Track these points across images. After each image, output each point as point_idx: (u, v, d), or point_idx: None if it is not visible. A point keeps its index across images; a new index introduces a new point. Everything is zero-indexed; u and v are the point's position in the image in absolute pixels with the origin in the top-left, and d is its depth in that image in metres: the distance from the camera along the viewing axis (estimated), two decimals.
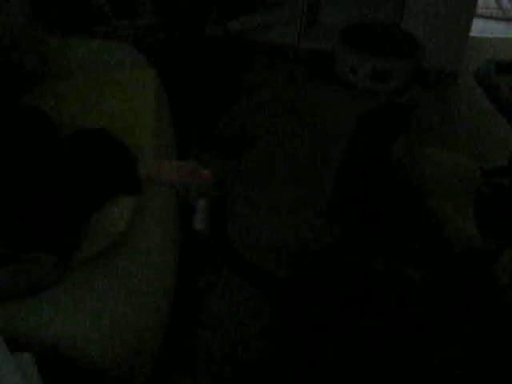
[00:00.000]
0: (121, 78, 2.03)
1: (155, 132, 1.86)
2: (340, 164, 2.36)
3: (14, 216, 1.38)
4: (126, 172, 1.59)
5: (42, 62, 1.98)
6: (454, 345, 1.82)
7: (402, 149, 2.33)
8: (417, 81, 3.34)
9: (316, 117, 3.02)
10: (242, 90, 3.07)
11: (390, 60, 3.27)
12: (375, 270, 1.83)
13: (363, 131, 2.30)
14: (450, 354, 1.82)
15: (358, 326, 1.76)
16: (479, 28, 3.73)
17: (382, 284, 1.75)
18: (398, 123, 2.25)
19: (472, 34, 3.51)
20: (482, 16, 4.09)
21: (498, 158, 2.41)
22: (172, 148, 2.09)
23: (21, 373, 1.04)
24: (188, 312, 1.91)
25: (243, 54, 3.31)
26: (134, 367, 1.42)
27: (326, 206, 2.41)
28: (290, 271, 2.02)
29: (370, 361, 1.77)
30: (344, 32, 3.37)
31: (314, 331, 1.77)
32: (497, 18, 4.21)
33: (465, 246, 2.13)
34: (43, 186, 1.42)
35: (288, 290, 1.90)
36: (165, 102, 2.11)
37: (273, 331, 1.80)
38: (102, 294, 1.36)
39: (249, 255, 2.12)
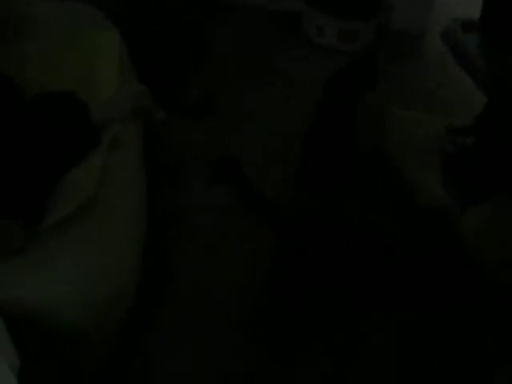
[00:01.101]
0: (84, 41, 1.99)
1: None
2: (307, 128, 2.35)
3: None
4: (91, 136, 1.58)
5: (3, 24, 1.93)
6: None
7: (368, 108, 2.34)
8: (383, 41, 3.34)
9: (283, 78, 3.01)
10: (209, 53, 3.03)
11: (356, 20, 3.26)
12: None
13: (328, 94, 2.30)
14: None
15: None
16: None
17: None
18: (363, 83, 2.25)
19: None
20: None
21: (463, 117, 2.43)
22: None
23: None
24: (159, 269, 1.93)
25: (210, 15, 3.26)
26: (105, 329, 1.43)
27: (295, 171, 2.41)
28: None
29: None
30: None
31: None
32: None
33: (432, 205, 2.16)
34: (7, 150, 1.40)
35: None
36: (129, 64, 2.08)
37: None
38: (72, 257, 1.36)
39: None
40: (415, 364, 1.81)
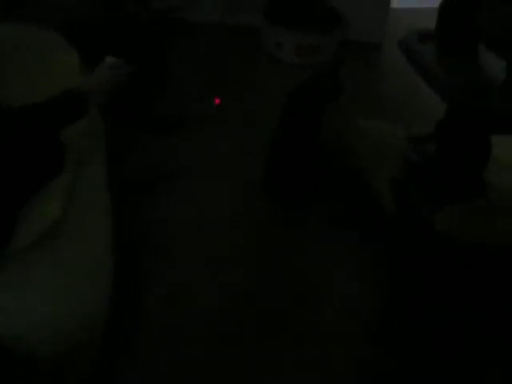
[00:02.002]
0: (44, 62, 1.97)
1: None
2: (271, 141, 2.36)
3: None
4: (55, 159, 1.56)
5: None
6: None
7: (331, 121, 2.37)
8: (342, 54, 3.38)
9: (245, 93, 3.02)
10: (170, 71, 3.03)
11: (314, 35, 3.30)
12: None
13: (291, 108, 2.31)
14: None
15: None
16: None
17: None
18: (326, 95, 2.27)
19: (394, 5, 3.60)
20: None
21: (424, 125, 2.48)
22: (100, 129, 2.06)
23: None
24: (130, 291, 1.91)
25: (168, 33, 3.26)
26: (78, 353, 1.41)
27: (262, 182, 2.41)
28: None
29: None
30: (268, 7, 3.38)
31: None
32: None
33: (399, 212, 2.19)
34: None
35: None
36: None
37: None
38: (40, 282, 1.34)
39: None
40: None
